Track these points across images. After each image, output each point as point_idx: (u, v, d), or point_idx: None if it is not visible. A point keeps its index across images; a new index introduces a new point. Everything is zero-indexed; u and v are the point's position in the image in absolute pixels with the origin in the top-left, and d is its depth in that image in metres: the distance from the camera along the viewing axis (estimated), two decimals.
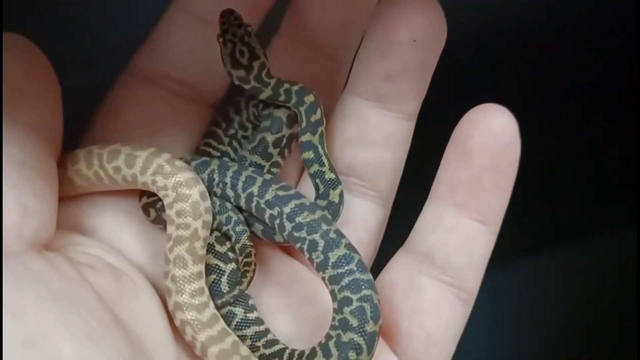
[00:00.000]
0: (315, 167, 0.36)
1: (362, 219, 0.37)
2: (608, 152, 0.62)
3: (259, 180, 0.35)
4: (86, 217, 0.35)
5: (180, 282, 0.33)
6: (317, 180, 0.36)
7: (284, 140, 0.37)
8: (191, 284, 0.33)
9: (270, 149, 0.37)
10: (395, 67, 0.35)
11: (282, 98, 0.36)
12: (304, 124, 0.36)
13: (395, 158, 0.37)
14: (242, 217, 0.36)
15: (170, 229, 0.34)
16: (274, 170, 0.37)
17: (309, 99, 0.36)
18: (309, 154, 0.36)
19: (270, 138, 0.37)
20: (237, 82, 0.36)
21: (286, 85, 0.36)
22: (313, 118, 0.36)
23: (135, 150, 0.34)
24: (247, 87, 0.36)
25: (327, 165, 0.36)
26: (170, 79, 0.37)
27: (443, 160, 0.35)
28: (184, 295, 0.33)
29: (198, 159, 0.36)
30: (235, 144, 0.39)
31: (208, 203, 0.34)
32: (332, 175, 0.36)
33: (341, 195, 0.36)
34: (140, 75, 0.37)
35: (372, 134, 0.36)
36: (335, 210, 0.36)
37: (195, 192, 0.34)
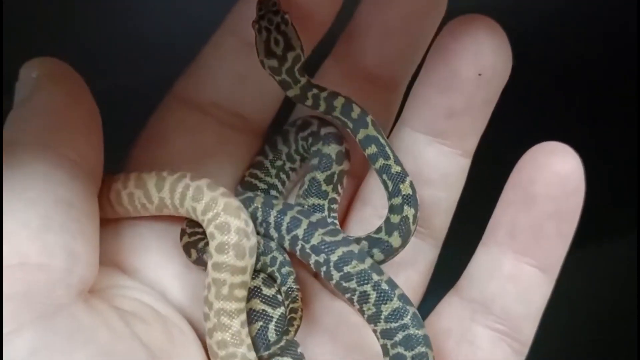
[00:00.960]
0: (380, 162, 0.34)
1: (412, 259, 0.35)
2: (608, 161, 0.60)
3: (305, 222, 0.33)
4: (127, 254, 0.33)
5: None
6: (384, 177, 0.34)
7: (335, 176, 0.35)
8: None
9: (324, 187, 0.35)
10: (458, 103, 0.33)
11: (309, 102, 0.34)
12: (350, 125, 0.34)
13: (450, 197, 0.35)
14: (287, 258, 0.34)
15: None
16: (333, 206, 0.36)
17: (339, 101, 0.34)
18: (371, 149, 0.34)
19: (321, 176, 0.35)
20: (268, 72, 0.34)
21: (315, 90, 0.34)
22: (354, 115, 0.34)
23: (181, 180, 0.32)
24: (277, 78, 0.34)
25: (391, 157, 0.34)
26: (218, 106, 0.35)
27: (501, 202, 0.33)
28: None
29: (242, 194, 0.35)
30: (283, 176, 0.37)
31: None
32: (398, 168, 0.34)
33: (412, 185, 0.34)
34: (186, 101, 0.35)
35: (428, 172, 0.34)
36: (413, 202, 0.33)
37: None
